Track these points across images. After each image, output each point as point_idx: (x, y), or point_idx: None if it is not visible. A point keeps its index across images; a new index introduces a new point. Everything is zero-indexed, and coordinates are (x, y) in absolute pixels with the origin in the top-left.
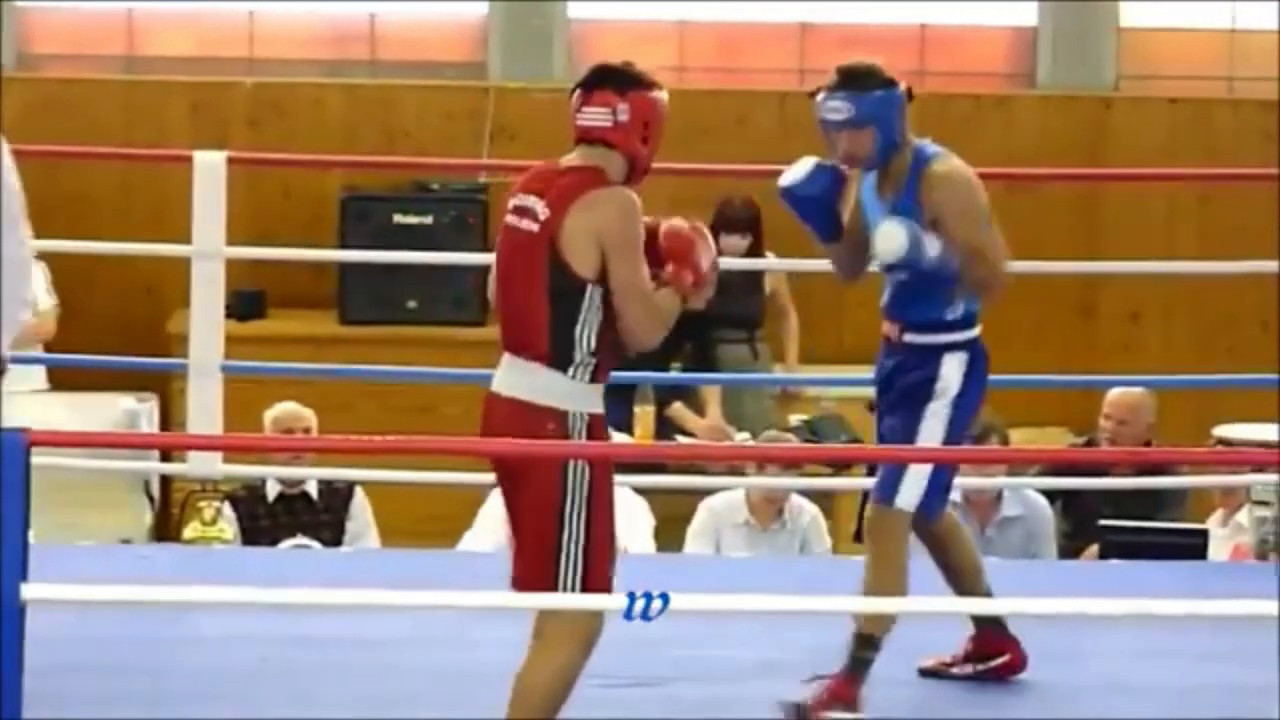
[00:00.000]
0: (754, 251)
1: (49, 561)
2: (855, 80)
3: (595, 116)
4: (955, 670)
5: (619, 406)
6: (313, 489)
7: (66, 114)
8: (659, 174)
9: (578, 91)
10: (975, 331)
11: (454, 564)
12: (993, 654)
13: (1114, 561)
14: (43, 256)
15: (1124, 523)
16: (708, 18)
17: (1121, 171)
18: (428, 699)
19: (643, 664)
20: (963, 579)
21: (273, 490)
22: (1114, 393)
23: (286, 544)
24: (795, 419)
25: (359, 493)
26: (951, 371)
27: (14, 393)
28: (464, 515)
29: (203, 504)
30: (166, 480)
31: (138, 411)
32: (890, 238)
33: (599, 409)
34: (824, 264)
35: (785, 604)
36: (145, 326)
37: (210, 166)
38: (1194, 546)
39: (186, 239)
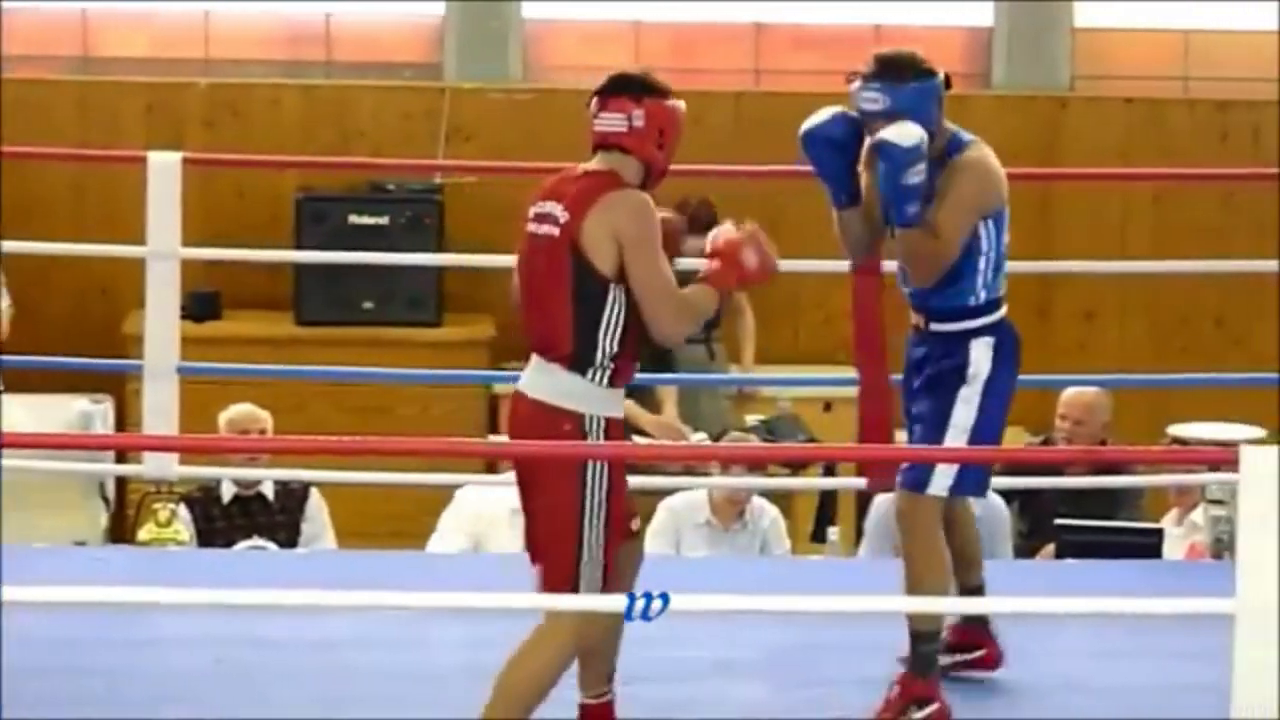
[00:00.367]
0: None
1: (3, 564)
2: (892, 70)
3: (611, 122)
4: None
5: None
6: (268, 490)
7: (21, 115)
8: None
9: (595, 98)
10: (1000, 314)
11: (410, 565)
12: (971, 647)
13: (1070, 561)
14: None
15: (1080, 522)
16: (663, 18)
17: (1076, 171)
18: (383, 700)
19: None
20: (958, 566)
21: (228, 492)
22: (1069, 392)
23: (242, 545)
24: (752, 419)
25: (314, 494)
26: (980, 356)
27: None
28: (420, 516)
29: (158, 505)
30: (122, 482)
31: (92, 413)
32: (906, 129)
33: (617, 413)
34: (781, 265)
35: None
36: (100, 328)
37: (165, 167)
38: (1149, 545)
39: (141, 240)
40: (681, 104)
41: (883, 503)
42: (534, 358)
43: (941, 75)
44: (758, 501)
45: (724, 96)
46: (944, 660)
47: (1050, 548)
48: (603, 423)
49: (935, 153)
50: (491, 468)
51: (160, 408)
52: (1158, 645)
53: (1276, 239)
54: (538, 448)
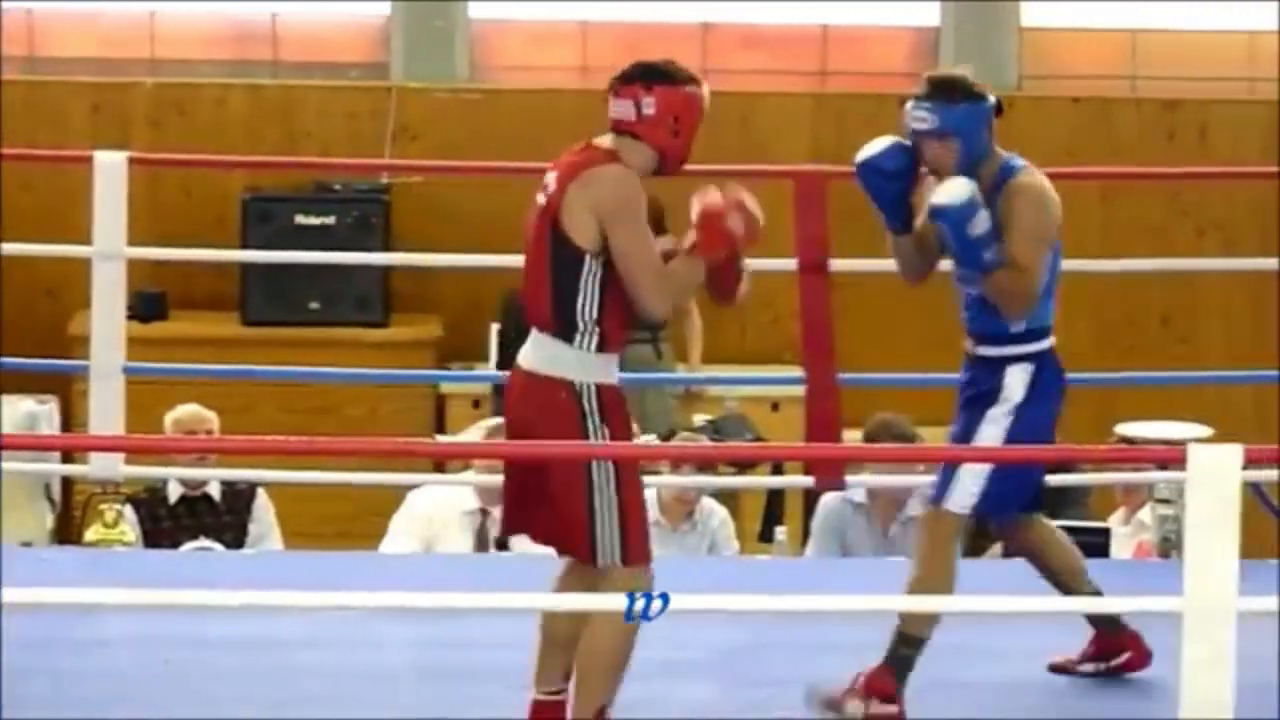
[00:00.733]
0: None
1: None
2: (943, 90)
3: (622, 109)
4: (1081, 669)
5: None
6: (215, 491)
7: None
8: None
9: (611, 86)
10: (1044, 344)
11: (358, 565)
12: (1115, 653)
13: (1017, 560)
14: None
15: None
16: (610, 18)
17: None
18: (333, 700)
19: None
20: (1063, 580)
21: (174, 492)
22: None
23: (188, 546)
24: (699, 419)
25: (261, 494)
26: (1015, 381)
27: None
28: (366, 516)
29: (104, 506)
30: (68, 483)
31: (38, 414)
32: (954, 186)
33: (610, 379)
34: None
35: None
36: (46, 328)
37: (111, 167)
38: (1096, 545)
39: (88, 240)
40: (703, 90)
41: (830, 502)
42: (531, 331)
43: (993, 99)
44: (707, 502)
45: None
46: (1088, 668)
47: (997, 547)
48: (594, 389)
49: (988, 177)
50: (440, 468)
51: (106, 408)
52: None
53: (1222, 238)
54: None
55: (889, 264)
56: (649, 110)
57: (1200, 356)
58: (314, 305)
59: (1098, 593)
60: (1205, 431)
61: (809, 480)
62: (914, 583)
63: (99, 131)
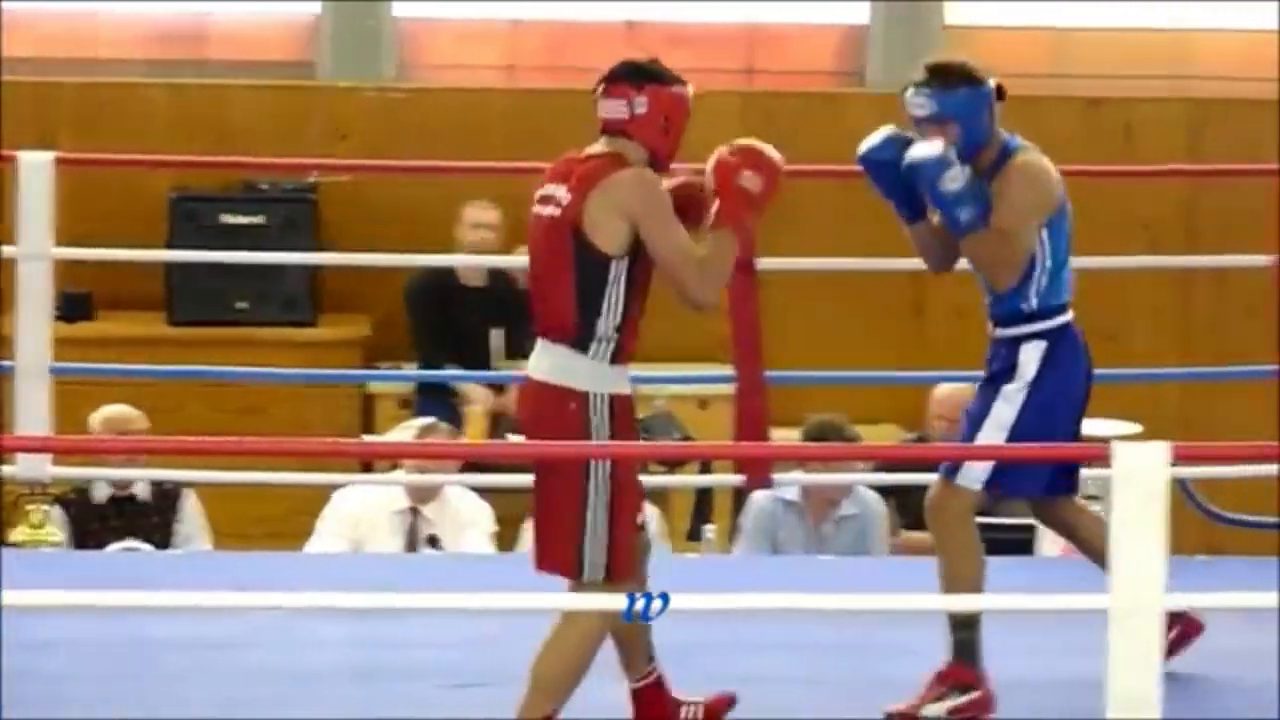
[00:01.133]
0: None
1: None
2: (941, 76)
3: (613, 108)
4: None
5: (440, 406)
6: (142, 491)
7: None
8: (492, 174)
9: (600, 86)
10: (1059, 320)
11: (288, 565)
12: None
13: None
14: None
15: None
16: (537, 16)
17: None
18: (264, 701)
19: (478, 664)
20: (1102, 556)
21: (102, 493)
22: (942, 389)
23: (115, 547)
24: None
25: (189, 495)
26: (1029, 359)
27: None
28: (295, 517)
29: (31, 507)
30: None
31: None
32: (928, 145)
33: (623, 390)
34: None
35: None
36: None
37: (37, 166)
38: (1022, 542)
39: (12, 240)
40: (688, 89)
41: (760, 501)
42: (540, 340)
43: (993, 83)
44: None
45: None
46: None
47: None
48: (607, 400)
49: (988, 161)
50: (367, 468)
51: (33, 409)
52: (1032, 641)
53: (1148, 237)
54: (410, 448)
55: (818, 263)
56: (641, 109)
57: (1125, 354)
58: (242, 305)
59: None
60: (1132, 428)
61: (738, 479)
62: (948, 579)
63: (24, 132)
